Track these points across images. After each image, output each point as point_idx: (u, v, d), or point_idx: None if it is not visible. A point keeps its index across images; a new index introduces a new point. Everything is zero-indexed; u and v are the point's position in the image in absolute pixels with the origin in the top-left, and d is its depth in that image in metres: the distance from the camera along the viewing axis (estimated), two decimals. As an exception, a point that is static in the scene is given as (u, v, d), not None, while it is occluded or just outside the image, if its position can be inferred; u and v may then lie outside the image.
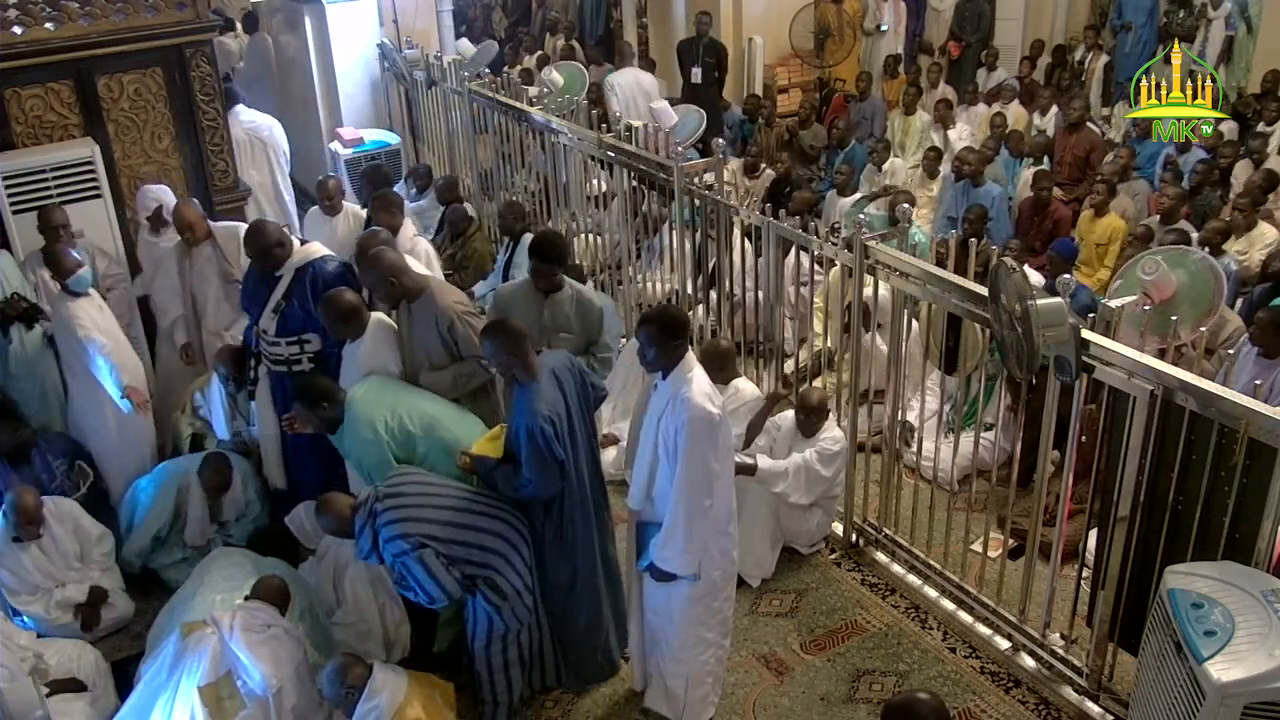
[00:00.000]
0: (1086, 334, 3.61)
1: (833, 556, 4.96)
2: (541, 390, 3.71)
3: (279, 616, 3.77)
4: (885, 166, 8.45)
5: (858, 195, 7.79)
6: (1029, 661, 4.22)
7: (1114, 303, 3.91)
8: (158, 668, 3.69)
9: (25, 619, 4.40)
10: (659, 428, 3.56)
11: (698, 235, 5.86)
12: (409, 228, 6.01)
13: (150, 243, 5.82)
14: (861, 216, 4.91)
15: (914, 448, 5.35)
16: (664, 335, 3.52)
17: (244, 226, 5.40)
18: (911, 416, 5.31)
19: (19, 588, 4.42)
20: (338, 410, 4.01)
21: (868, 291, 4.63)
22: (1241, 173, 7.30)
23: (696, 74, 9.88)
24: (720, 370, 5.08)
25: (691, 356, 3.62)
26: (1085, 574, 4.16)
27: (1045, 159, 8.25)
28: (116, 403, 4.98)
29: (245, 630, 3.61)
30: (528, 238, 6.84)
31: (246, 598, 3.83)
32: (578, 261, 7.02)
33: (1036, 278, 5.05)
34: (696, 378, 3.56)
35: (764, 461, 4.67)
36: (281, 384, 4.74)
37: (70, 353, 5.07)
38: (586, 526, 3.93)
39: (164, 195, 5.90)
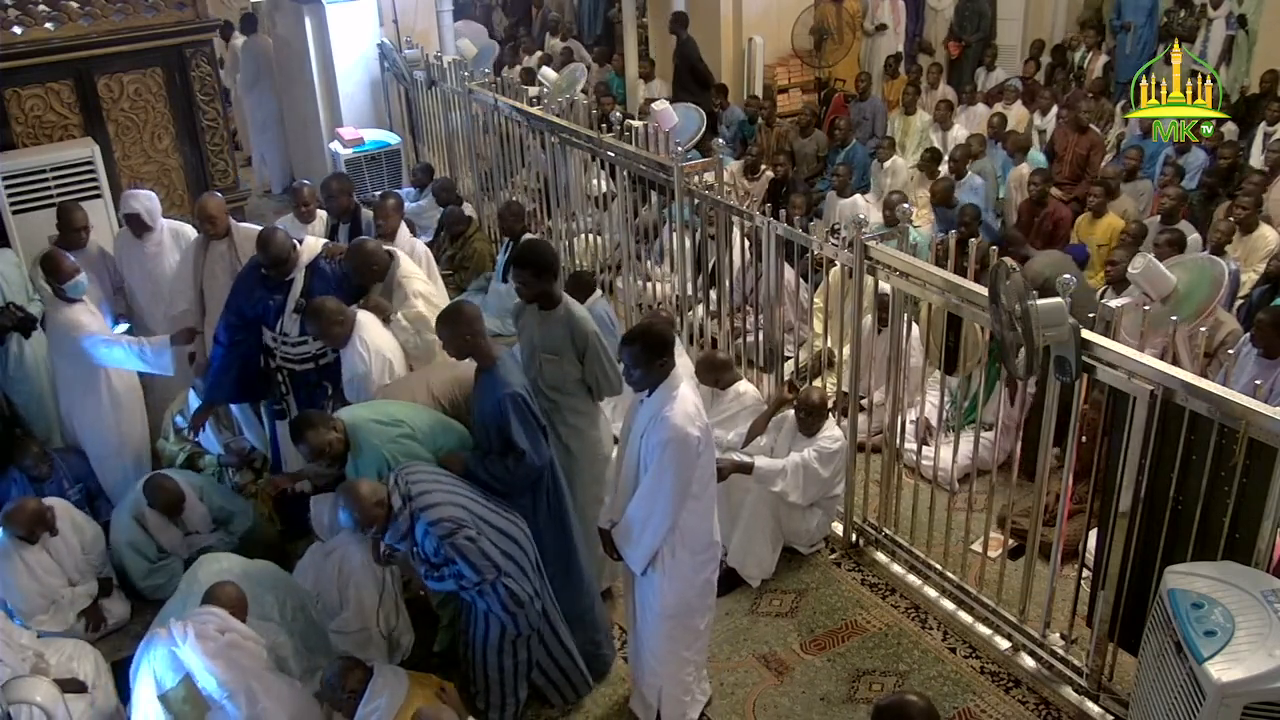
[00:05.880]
0: (1086, 334, 3.61)
1: (833, 556, 4.96)
2: (507, 366, 3.79)
3: (235, 622, 3.70)
4: (887, 164, 8.45)
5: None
6: (1029, 661, 4.22)
7: (1114, 302, 3.90)
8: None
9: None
10: (642, 444, 3.51)
11: (698, 235, 5.86)
12: (404, 231, 5.98)
13: (133, 243, 5.60)
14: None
15: (928, 447, 5.31)
16: (649, 354, 3.44)
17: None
18: (911, 416, 5.31)
19: (31, 609, 4.39)
20: (343, 431, 3.90)
21: (884, 288, 4.59)
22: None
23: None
24: (720, 377, 5.11)
25: (678, 372, 3.52)
26: (1085, 574, 4.16)
27: (1044, 159, 8.25)
28: (154, 369, 5.00)
29: (200, 638, 3.55)
30: (528, 238, 6.86)
31: (202, 604, 3.76)
32: (580, 265, 7.03)
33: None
34: (681, 396, 3.46)
35: (761, 460, 4.67)
36: (306, 383, 4.77)
37: (62, 357, 5.04)
38: (564, 505, 3.98)
39: (148, 201, 5.60)
